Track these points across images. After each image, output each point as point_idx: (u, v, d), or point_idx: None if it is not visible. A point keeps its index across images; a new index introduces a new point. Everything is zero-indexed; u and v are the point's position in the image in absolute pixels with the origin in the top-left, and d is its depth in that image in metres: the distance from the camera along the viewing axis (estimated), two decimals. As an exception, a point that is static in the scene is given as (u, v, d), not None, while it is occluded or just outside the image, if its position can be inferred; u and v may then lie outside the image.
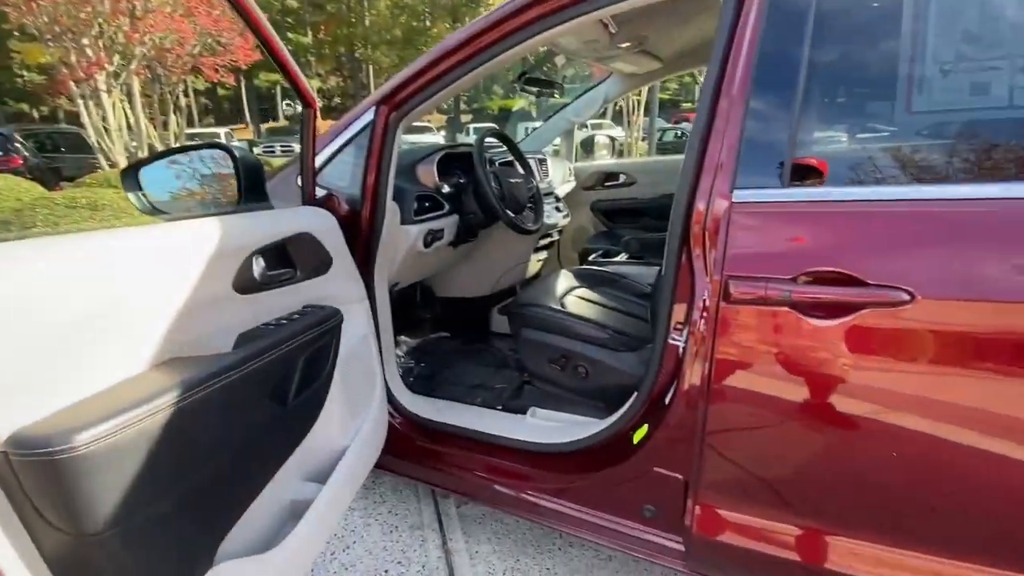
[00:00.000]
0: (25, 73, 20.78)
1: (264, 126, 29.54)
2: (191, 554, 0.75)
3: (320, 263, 1.12)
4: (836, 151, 0.92)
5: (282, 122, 33.57)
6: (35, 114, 26.60)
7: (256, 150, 21.69)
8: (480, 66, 1.17)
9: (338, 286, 1.19)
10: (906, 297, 0.74)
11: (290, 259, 1.01)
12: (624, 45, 1.76)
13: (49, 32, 5.97)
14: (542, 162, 2.26)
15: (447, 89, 1.21)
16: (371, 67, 36.63)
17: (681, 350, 0.96)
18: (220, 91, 36.24)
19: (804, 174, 0.87)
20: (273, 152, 21.18)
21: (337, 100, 45.65)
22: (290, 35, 30.17)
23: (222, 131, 21.58)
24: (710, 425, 0.93)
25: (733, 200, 0.88)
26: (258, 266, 0.92)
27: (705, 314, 0.90)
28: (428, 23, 34.59)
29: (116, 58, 6.55)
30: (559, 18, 1.04)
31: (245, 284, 0.89)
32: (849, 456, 0.87)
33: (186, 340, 0.78)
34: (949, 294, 0.75)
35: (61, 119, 27.62)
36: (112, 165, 6.57)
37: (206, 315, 0.82)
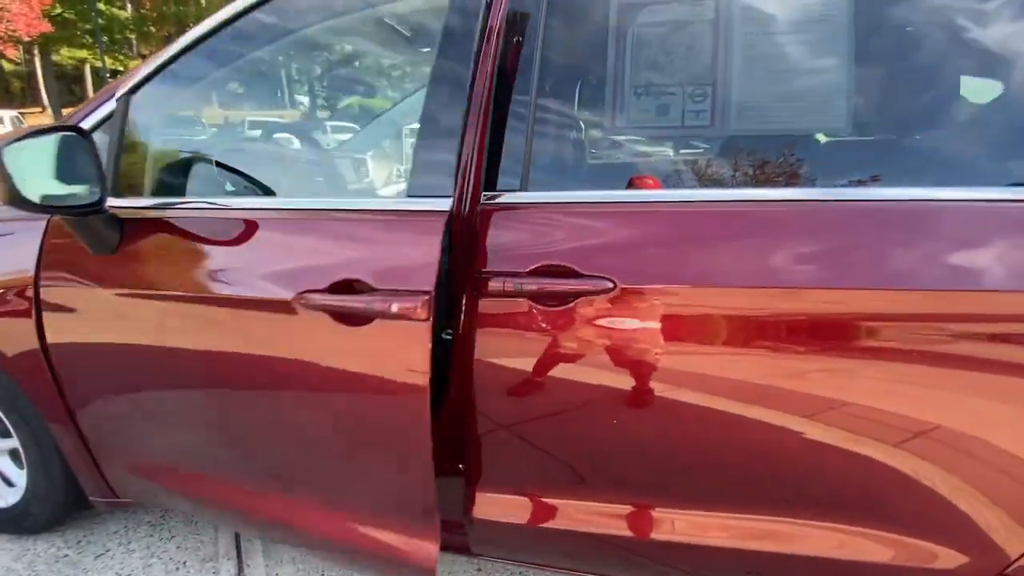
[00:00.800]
0: None
1: (67, 111, 24.75)
2: None
3: None
4: (562, 160, 1.04)
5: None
6: None
7: (56, 139, 18.10)
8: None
9: None
10: (610, 285, 0.86)
11: None
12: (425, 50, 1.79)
13: None
14: (361, 163, 2.21)
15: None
16: (209, 51, 32.75)
17: (453, 346, 1.01)
18: (4, 64, 29.62)
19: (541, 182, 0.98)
20: None
21: (170, 86, 40.07)
22: (102, 6, 25.54)
23: (7, 113, 17.64)
24: (479, 413, 0.99)
25: (481, 202, 0.95)
26: None
27: (466, 308, 0.95)
28: (275, 8, 31.94)
29: None
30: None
31: None
32: (590, 429, 0.99)
33: None
34: (643, 282, 0.89)
35: None
36: None
37: None
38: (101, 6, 27.06)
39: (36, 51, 26.87)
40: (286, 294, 0.97)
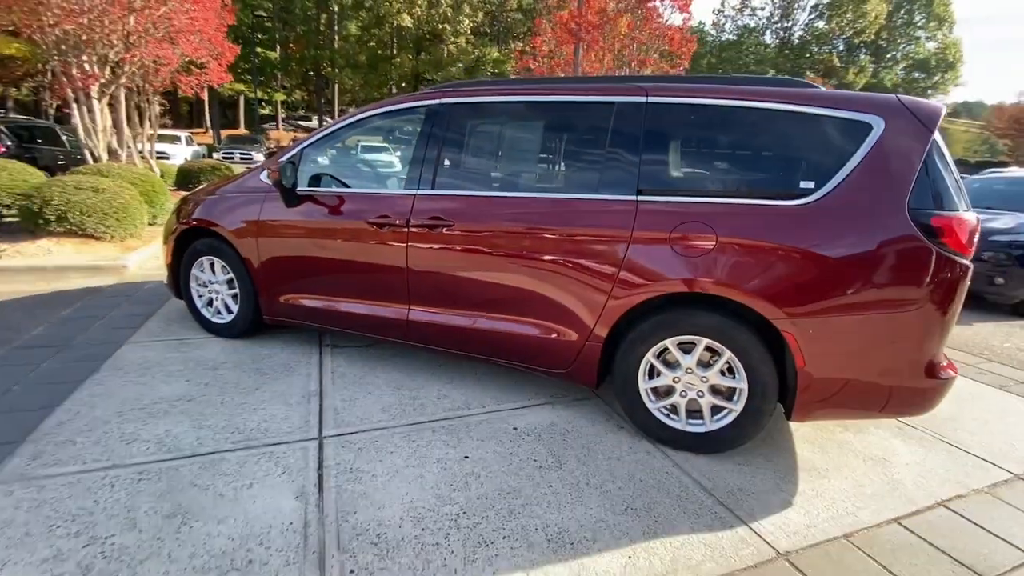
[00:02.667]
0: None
1: (224, 132, 30.24)
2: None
3: None
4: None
5: (241, 130, 34.27)
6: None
7: (216, 155, 22.57)
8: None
9: None
10: (448, 222, 2.50)
11: None
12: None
13: (55, 48, 7.29)
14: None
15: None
16: (336, 86, 38.04)
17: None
18: (179, 93, 36.66)
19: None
20: (232, 158, 22.11)
21: (301, 112, 46.33)
22: (259, 50, 31.32)
23: (183, 134, 22.37)
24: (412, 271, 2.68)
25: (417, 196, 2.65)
26: None
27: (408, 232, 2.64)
28: (393, 52, 36.49)
29: (107, 71, 7.91)
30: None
31: None
32: (435, 275, 2.61)
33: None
34: (466, 225, 2.51)
35: (9, 107, 27.29)
36: (96, 159, 7.84)
37: None
38: (258, 49, 33.03)
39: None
40: (358, 224, 2.70)
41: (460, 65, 35.01)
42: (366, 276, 2.78)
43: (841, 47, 43.79)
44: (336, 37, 35.59)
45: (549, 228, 2.35)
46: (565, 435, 2.38)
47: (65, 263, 4.79)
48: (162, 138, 20.23)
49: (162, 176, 9.19)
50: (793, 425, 2.58)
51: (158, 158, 11.92)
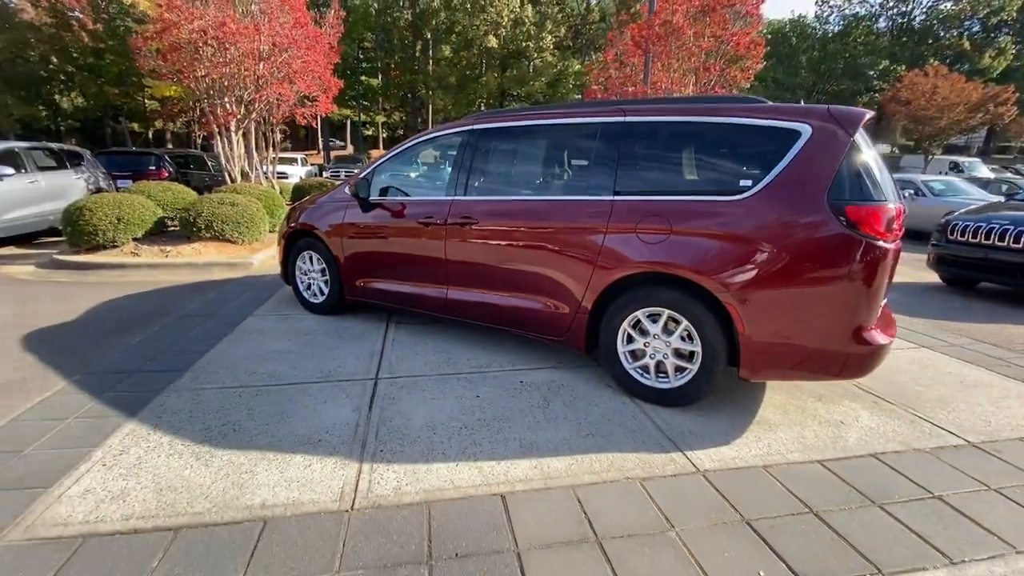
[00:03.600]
0: (147, 101, 25.93)
1: (333, 153, 33.93)
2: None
3: None
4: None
5: (348, 150, 38.11)
6: (149, 134, 32.17)
7: (324, 173, 25.51)
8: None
9: None
10: (475, 220, 3.22)
11: None
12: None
13: (205, 91, 9.19)
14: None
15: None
16: (431, 106, 40.85)
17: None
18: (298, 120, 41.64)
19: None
20: (338, 175, 24.88)
21: (400, 132, 50.24)
22: (363, 78, 34.80)
23: (299, 156, 25.56)
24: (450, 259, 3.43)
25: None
26: None
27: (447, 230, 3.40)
28: (480, 71, 38.51)
29: (242, 109, 9.74)
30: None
31: None
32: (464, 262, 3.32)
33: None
34: (488, 222, 3.21)
35: (168, 139, 32.79)
36: (232, 180, 9.68)
37: None
38: (362, 78, 36.65)
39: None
40: (411, 223, 3.54)
41: (543, 80, 36.14)
42: (417, 263, 3.59)
43: (976, 28, 38.76)
44: (430, 61, 38.41)
45: (548, 223, 2.98)
46: (560, 388, 2.98)
47: (210, 260, 6.22)
48: (283, 160, 23.16)
49: (280, 193, 11.00)
50: (768, 394, 2.94)
51: (278, 178, 14.07)
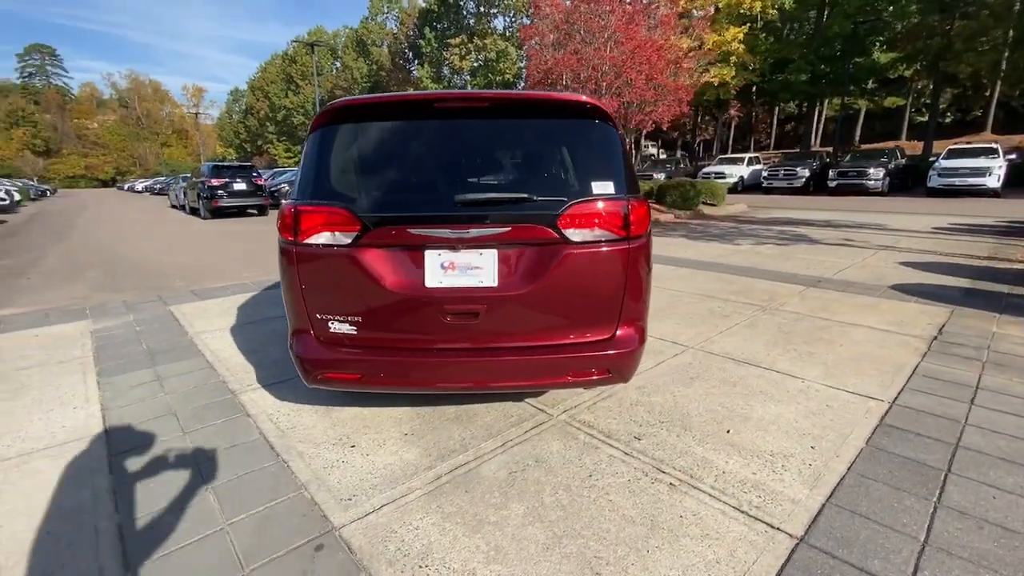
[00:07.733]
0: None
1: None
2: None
3: None
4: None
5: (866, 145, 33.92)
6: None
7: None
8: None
9: None
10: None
11: None
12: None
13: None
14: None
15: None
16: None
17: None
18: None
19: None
20: (708, 177, 23.08)
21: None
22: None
23: (747, 156, 25.15)
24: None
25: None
26: None
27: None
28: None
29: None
30: None
31: None
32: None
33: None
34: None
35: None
36: (688, 175, 15.89)
37: None
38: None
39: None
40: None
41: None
42: None
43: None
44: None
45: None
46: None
47: (709, 213, 14.58)
48: (723, 160, 25.33)
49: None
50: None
51: (715, 177, 21.00)
